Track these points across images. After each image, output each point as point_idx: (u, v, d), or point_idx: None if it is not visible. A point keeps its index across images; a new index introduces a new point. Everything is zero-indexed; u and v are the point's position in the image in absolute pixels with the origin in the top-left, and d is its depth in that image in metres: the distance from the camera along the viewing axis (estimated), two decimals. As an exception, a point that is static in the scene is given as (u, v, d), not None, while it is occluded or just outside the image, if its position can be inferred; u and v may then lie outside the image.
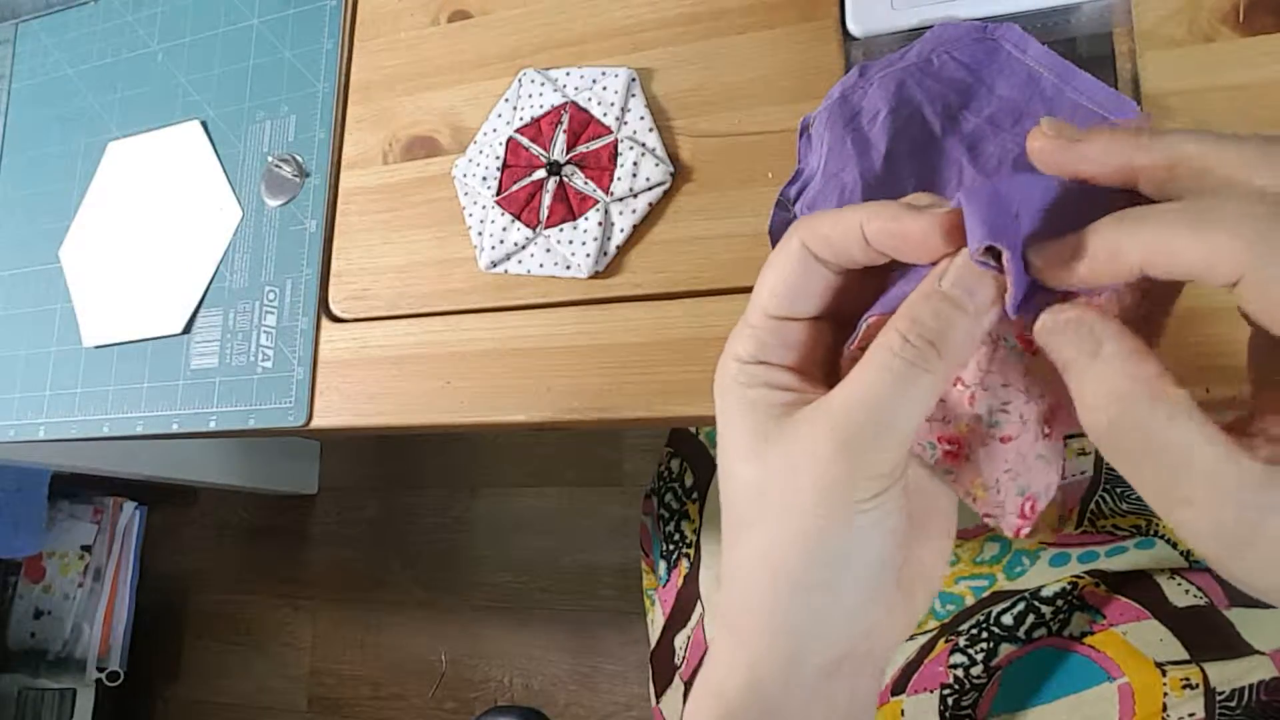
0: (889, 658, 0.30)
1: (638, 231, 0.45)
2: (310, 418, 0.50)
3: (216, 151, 0.57)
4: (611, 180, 0.45)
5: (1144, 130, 0.23)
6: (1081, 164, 0.24)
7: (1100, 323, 0.23)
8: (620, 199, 0.45)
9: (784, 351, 0.28)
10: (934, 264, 0.25)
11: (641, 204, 0.45)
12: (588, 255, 0.45)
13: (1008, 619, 0.48)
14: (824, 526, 0.25)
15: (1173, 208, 0.22)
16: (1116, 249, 0.22)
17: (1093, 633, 0.45)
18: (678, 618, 0.63)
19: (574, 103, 0.47)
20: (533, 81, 0.48)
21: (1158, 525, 0.49)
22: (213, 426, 0.52)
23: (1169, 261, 0.21)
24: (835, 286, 0.28)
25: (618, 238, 0.45)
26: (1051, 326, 0.24)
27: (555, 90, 0.48)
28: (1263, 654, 0.42)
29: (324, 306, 0.52)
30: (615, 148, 0.46)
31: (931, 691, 0.48)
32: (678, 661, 0.62)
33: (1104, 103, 0.36)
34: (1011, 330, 0.26)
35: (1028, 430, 0.26)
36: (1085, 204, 0.24)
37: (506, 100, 0.49)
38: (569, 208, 0.46)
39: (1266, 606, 0.43)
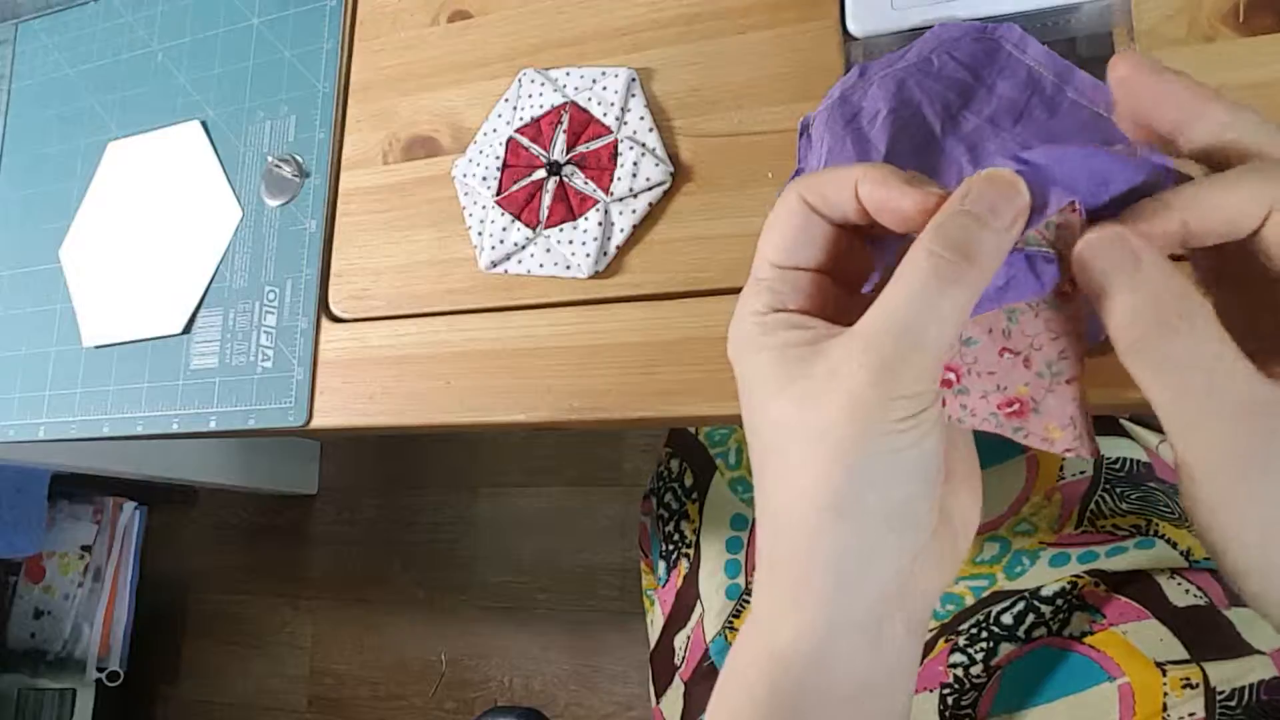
0: (932, 607, 0.29)
1: (638, 231, 0.45)
2: (310, 418, 0.50)
3: (216, 151, 0.57)
4: (611, 180, 0.45)
5: (1222, 99, 0.26)
6: (1154, 100, 0.26)
7: (1139, 241, 0.25)
8: (620, 199, 0.45)
9: (799, 297, 0.28)
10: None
11: (641, 204, 0.45)
12: (588, 255, 0.45)
13: (1007, 619, 0.48)
14: (858, 450, 0.25)
15: (1207, 178, 0.25)
16: (1162, 205, 0.25)
17: (1093, 632, 0.45)
18: (677, 618, 0.63)
19: (574, 103, 0.47)
20: (533, 81, 0.48)
21: (1158, 525, 0.49)
22: (213, 426, 0.52)
23: (1208, 215, 0.24)
24: (836, 239, 0.28)
25: (618, 238, 0.45)
26: (1096, 241, 0.25)
27: (555, 90, 0.48)
28: (1263, 653, 0.42)
29: (324, 306, 0.52)
30: (615, 148, 0.46)
31: (931, 691, 0.48)
32: (677, 661, 0.62)
33: (1104, 104, 0.36)
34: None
35: (1081, 365, 0.28)
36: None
37: (506, 100, 0.49)
38: (569, 208, 0.46)
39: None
